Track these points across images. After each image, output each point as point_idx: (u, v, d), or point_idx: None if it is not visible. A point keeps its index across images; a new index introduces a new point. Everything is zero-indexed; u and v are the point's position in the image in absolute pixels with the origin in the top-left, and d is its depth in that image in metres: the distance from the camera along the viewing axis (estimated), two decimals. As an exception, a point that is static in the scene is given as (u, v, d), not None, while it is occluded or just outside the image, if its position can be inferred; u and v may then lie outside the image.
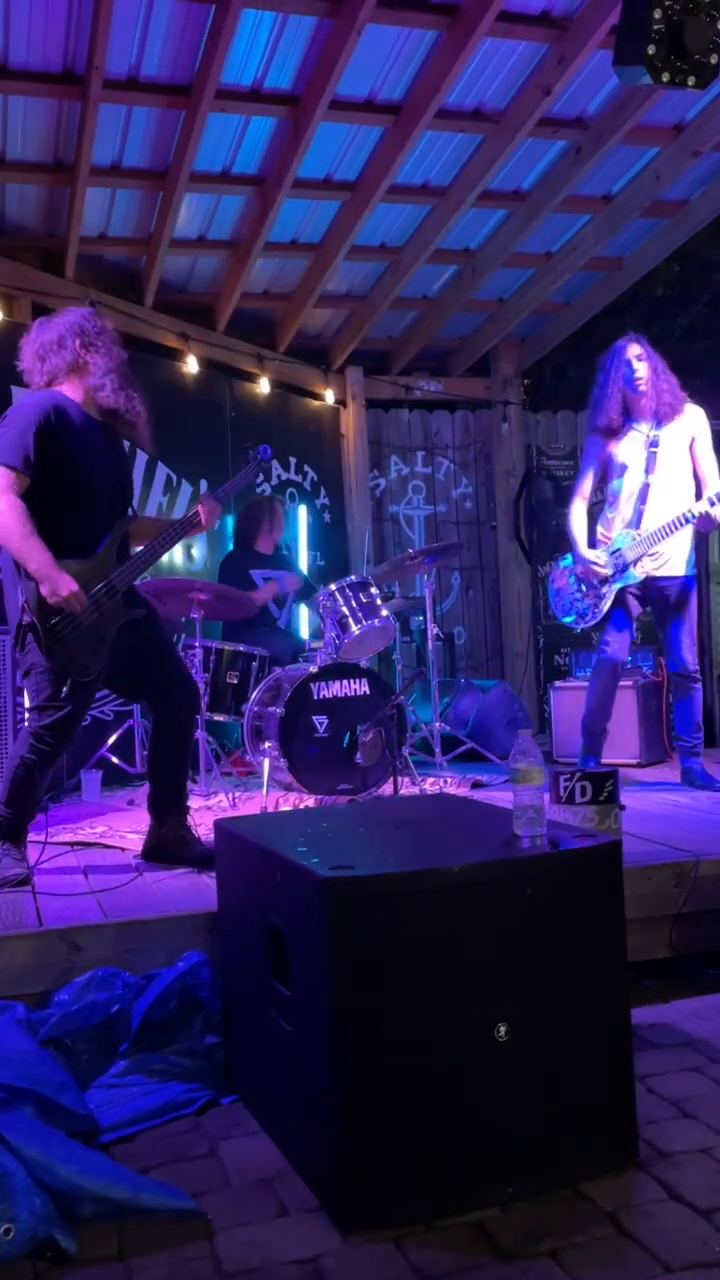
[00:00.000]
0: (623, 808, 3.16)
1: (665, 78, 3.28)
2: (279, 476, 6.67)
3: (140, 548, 3.30)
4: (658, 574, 4.26)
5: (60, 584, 2.99)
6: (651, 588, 4.29)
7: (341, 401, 7.03)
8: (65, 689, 3.06)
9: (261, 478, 6.52)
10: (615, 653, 4.34)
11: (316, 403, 6.96)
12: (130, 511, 3.32)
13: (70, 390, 3.21)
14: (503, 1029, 1.90)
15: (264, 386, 6.56)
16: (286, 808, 4.13)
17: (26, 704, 3.25)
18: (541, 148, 5.33)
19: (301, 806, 4.12)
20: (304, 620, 6.21)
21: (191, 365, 6.14)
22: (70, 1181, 1.84)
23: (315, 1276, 1.70)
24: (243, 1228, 1.85)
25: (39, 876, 3.15)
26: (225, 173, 5.28)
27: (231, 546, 6.14)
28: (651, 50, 3.29)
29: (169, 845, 3.34)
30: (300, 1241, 1.80)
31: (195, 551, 6.11)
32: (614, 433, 4.27)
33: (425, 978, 1.87)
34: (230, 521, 6.28)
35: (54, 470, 3.07)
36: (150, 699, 3.37)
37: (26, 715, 3.20)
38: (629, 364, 4.20)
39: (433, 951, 1.88)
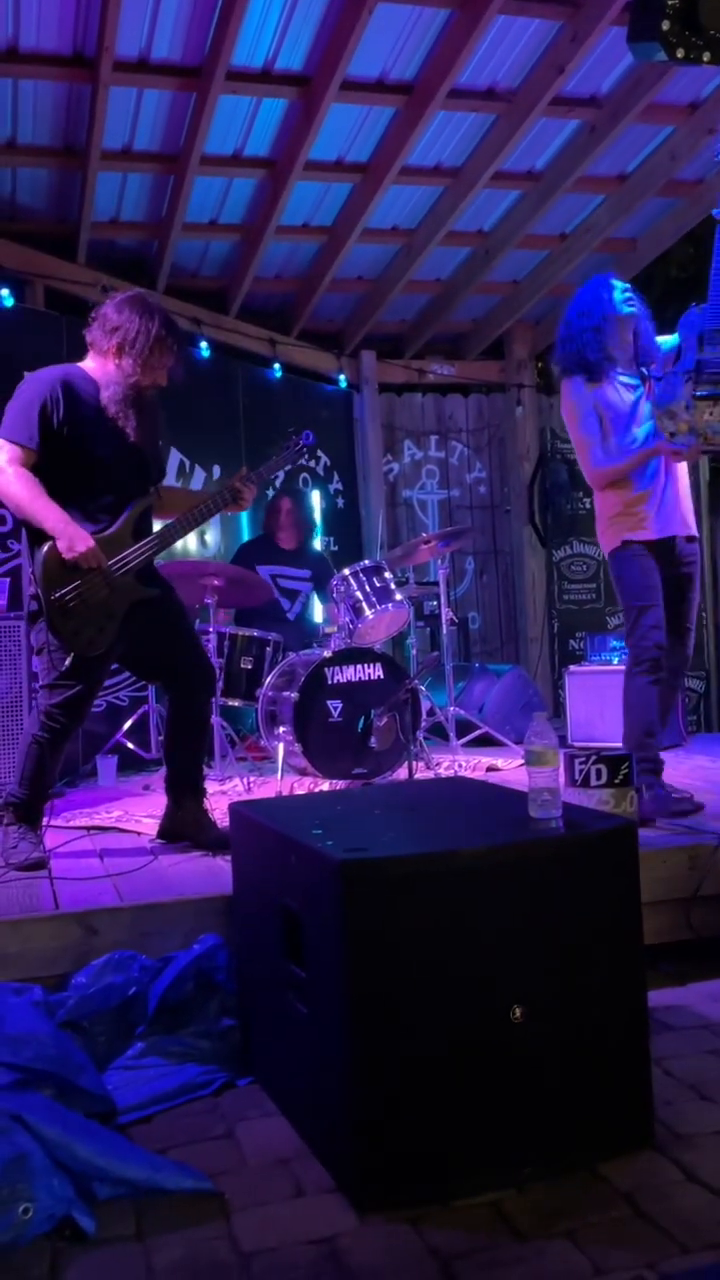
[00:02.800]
0: (637, 790, 3.15)
1: (680, 54, 3.23)
2: (295, 462, 6.66)
3: (166, 522, 3.27)
4: (692, 533, 3.55)
5: (77, 539, 3.00)
6: (684, 551, 3.54)
7: (355, 386, 7.01)
8: (74, 664, 3.05)
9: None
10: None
11: (330, 387, 6.94)
12: (154, 489, 3.30)
13: (96, 367, 3.20)
14: (518, 1011, 1.90)
15: (276, 371, 6.55)
16: (301, 792, 4.14)
17: (39, 683, 3.26)
18: (555, 127, 5.29)
19: (316, 791, 4.12)
20: (317, 610, 6.18)
21: (204, 350, 6.13)
22: (88, 1162, 1.85)
23: (332, 1256, 1.70)
24: (260, 1208, 1.85)
25: (55, 860, 3.16)
26: (236, 155, 5.26)
27: (248, 536, 6.13)
28: (666, 26, 3.24)
29: (185, 828, 3.34)
30: (317, 1222, 1.80)
31: (209, 537, 6.10)
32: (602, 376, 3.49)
33: (440, 960, 1.87)
34: (243, 514, 6.26)
35: (63, 445, 3.06)
36: (166, 681, 3.37)
37: (38, 693, 3.20)
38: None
39: (448, 934, 1.88)
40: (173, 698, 3.35)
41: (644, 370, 3.48)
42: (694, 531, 3.56)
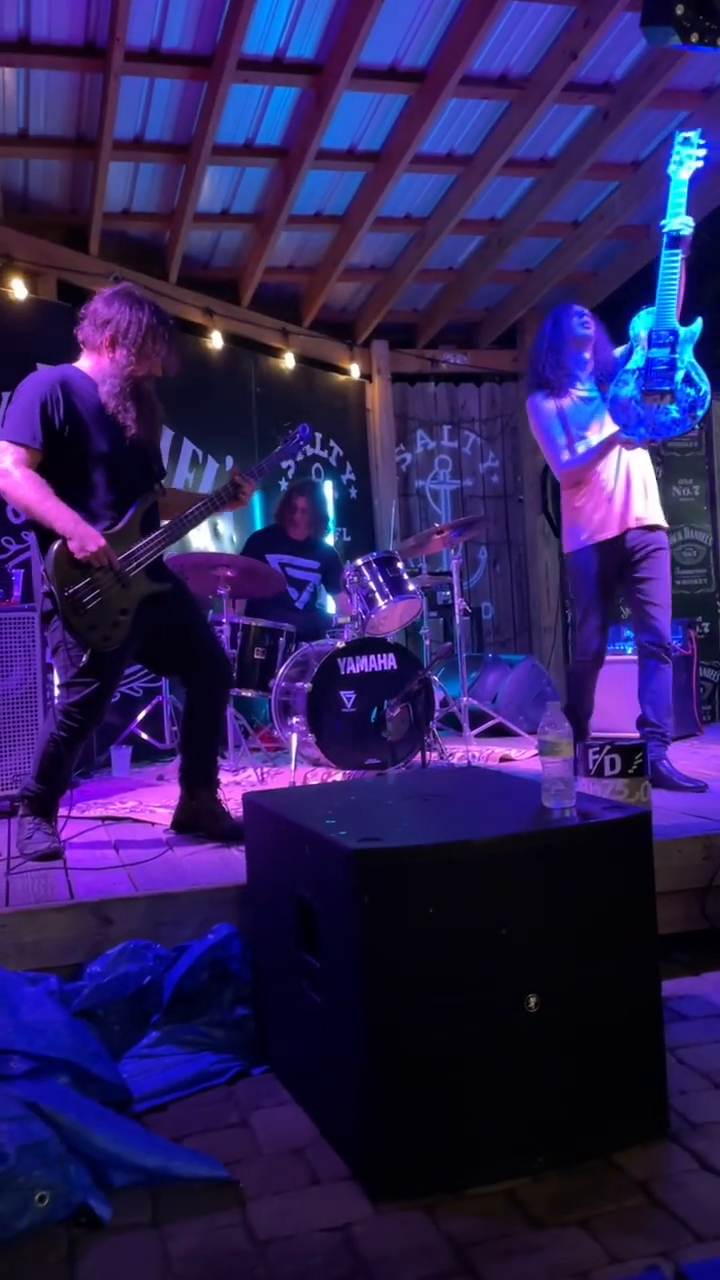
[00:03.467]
0: (651, 780, 3.14)
1: (694, 38, 3.22)
2: (305, 452, 6.65)
3: (168, 521, 3.29)
4: (651, 521, 3.87)
5: (88, 539, 3.01)
6: (643, 539, 3.85)
7: (367, 375, 7.00)
8: (90, 661, 3.05)
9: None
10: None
11: (342, 377, 6.93)
12: (158, 486, 3.31)
13: (91, 365, 3.21)
14: (533, 1000, 1.90)
15: (289, 361, 6.54)
16: (315, 782, 4.15)
17: (56, 682, 3.27)
18: (568, 114, 5.26)
19: (329, 781, 4.13)
20: (329, 602, 6.17)
21: (216, 341, 6.13)
22: (104, 1149, 1.86)
23: (347, 1245, 1.71)
24: (275, 1196, 1.86)
25: (70, 851, 3.18)
26: (248, 145, 5.25)
27: (259, 525, 6.13)
28: (680, 10, 3.23)
29: (199, 818, 3.35)
30: (332, 1210, 1.81)
31: (221, 528, 6.11)
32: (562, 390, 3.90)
33: (454, 949, 1.87)
34: (258, 500, 6.27)
35: (65, 444, 3.07)
36: (183, 674, 3.37)
37: (56, 693, 3.21)
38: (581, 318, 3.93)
39: (462, 923, 1.88)
40: (190, 690, 3.36)
41: (605, 382, 3.79)
42: (654, 521, 3.87)
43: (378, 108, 5.08)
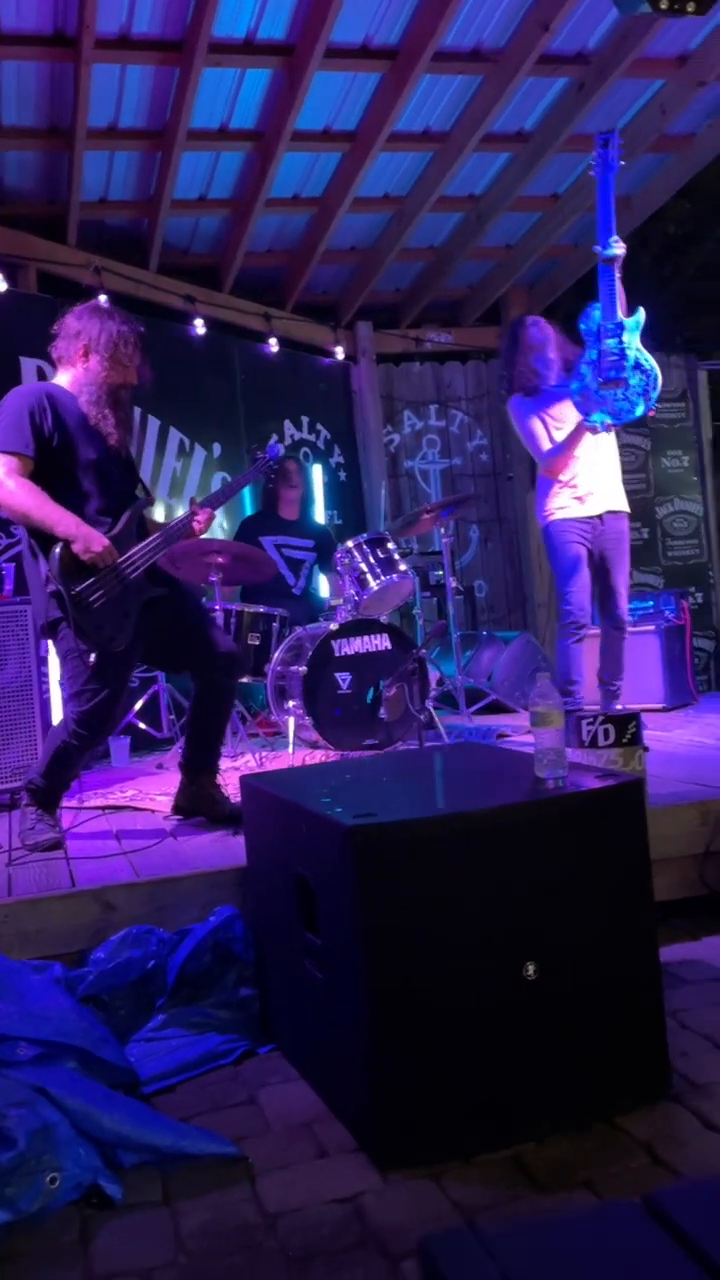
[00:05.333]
0: (646, 749, 3.15)
1: (664, 5, 3.21)
2: (292, 436, 6.65)
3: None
4: (617, 509, 4.24)
5: (92, 539, 3.02)
6: (610, 526, 4.21)
7: (352, 357, 6.99)
8: (98, 666, 3.06)
9: (275, 437, 6.49)
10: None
11: (327, 359, 6.91)
12: (144, 492, 3.33)
13: (69, 379, 3.23)
14: (531, 968, 1.92)
15: (273, 346, 6.52)
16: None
17: (55, 678, 3.26)
18: (543, 86, 5.24)
19: (326, 762, 4.14)
20: (323, 585, 6.16)
21: (199, 328, 6.11)
22: (114, 1130, 1.88)
23: (356, 1214, 1.73)
24: (284, 1170, 1.88)
25: (71, 841, 3.19)
26: (223, 128, 5.23)
27: (250, 510, 6.13)
28: (649, -23, 3.22)
29: (199, 803, 3.37)
30: (341, 1181, 1.83)
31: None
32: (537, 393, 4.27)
33: (453, 920, 1.89)
34: (245, 491, 6.27)
35: (54, 452, 3.08)
36: (194, 669, 3.37)
37: (64, 703, 3.22)
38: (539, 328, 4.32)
39: (459, 894, 1.89)
40: (199, 684, 3.37)
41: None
42: (617, 509, 4.22)
43: (351, 87, 5.06)
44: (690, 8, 3.26)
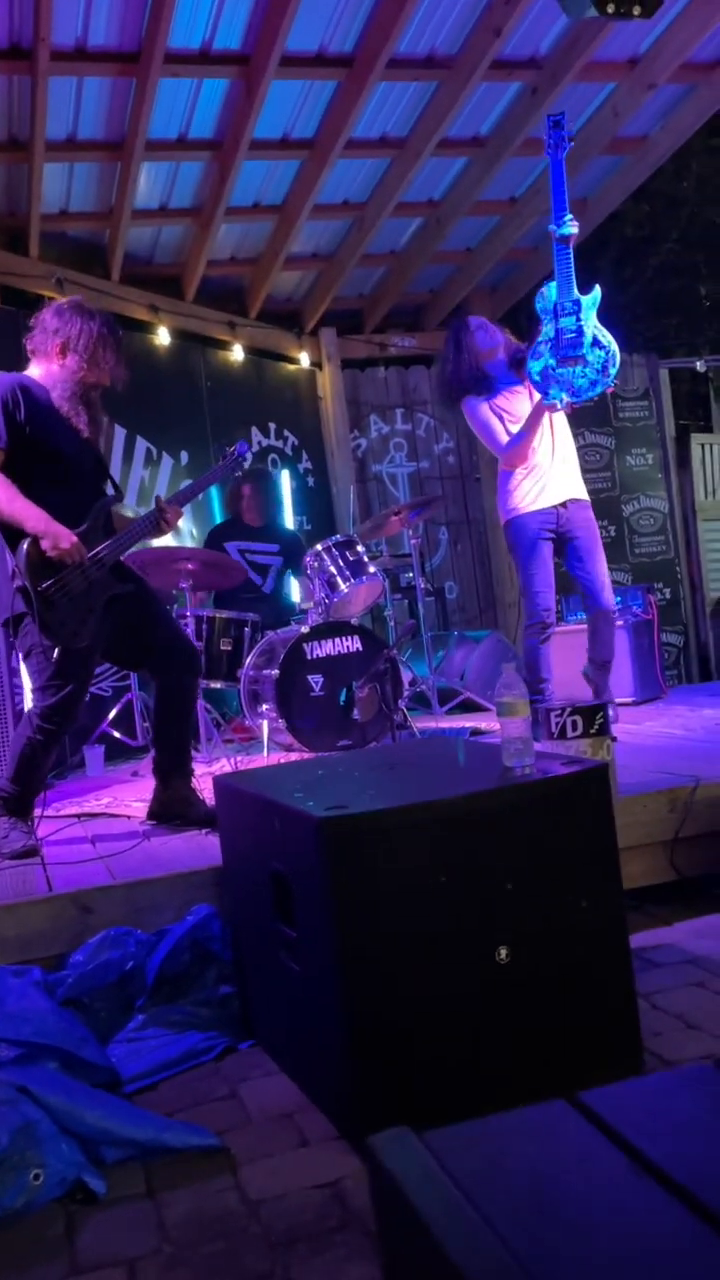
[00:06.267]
0: (613, 739, 3.20)
1: (610, 9, 3.28)
2: (260, 443, 6.68)
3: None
4: (579, 498, 4.19)
5: (60, 536, 3.04)
6: (576, 513, 4.17)
7: (317, 364, 7.03)
8: (61, 661, 3.08)
9: (244, 445, 6.51)
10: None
11: (292, 366, 6.96)
12: (113, 488, 3.36)
13: (42, 373, 3.25)
14: (503, 952, 1.95)
15: (238, 354, 6.56)
16: (288, 767, 4.19)
17: (27, 686, 3.29)
18: (497, 91, 5.31)
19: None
20: (294, 589, 6.19)
21: (163, 337, 6.14)
22: (96, 1126, 1.90)
23: (337, 1198, 1.76)
24: (266, 1159, 1.91)
25: (47, 848, 3.21)
26: (181, 139, 5.26)
27: (219, 519, 6.16)
28: (594, -19, 3.29)
29: (174, 806, 3.40)
30: (322, 1167, 1.86)
31: (182, 524, 6.13)
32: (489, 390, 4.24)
33: (424, 907, 1.92)
34: (215, 494, 6.31)
35: (27, 444, 3.10)
36: (151, 666, 3.40)
37: (29, 696, 3.24)
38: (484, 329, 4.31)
39: (430, 882, 1.93)
40: (159, 682, 3.40)
41: (521, 365, 4.09)
42: (579, 497, 4.17)
43: (308, 95, 5.11)
44: (636, 11, 3.33)
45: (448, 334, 4.34)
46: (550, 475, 4.13)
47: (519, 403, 4.15)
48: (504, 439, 4.18)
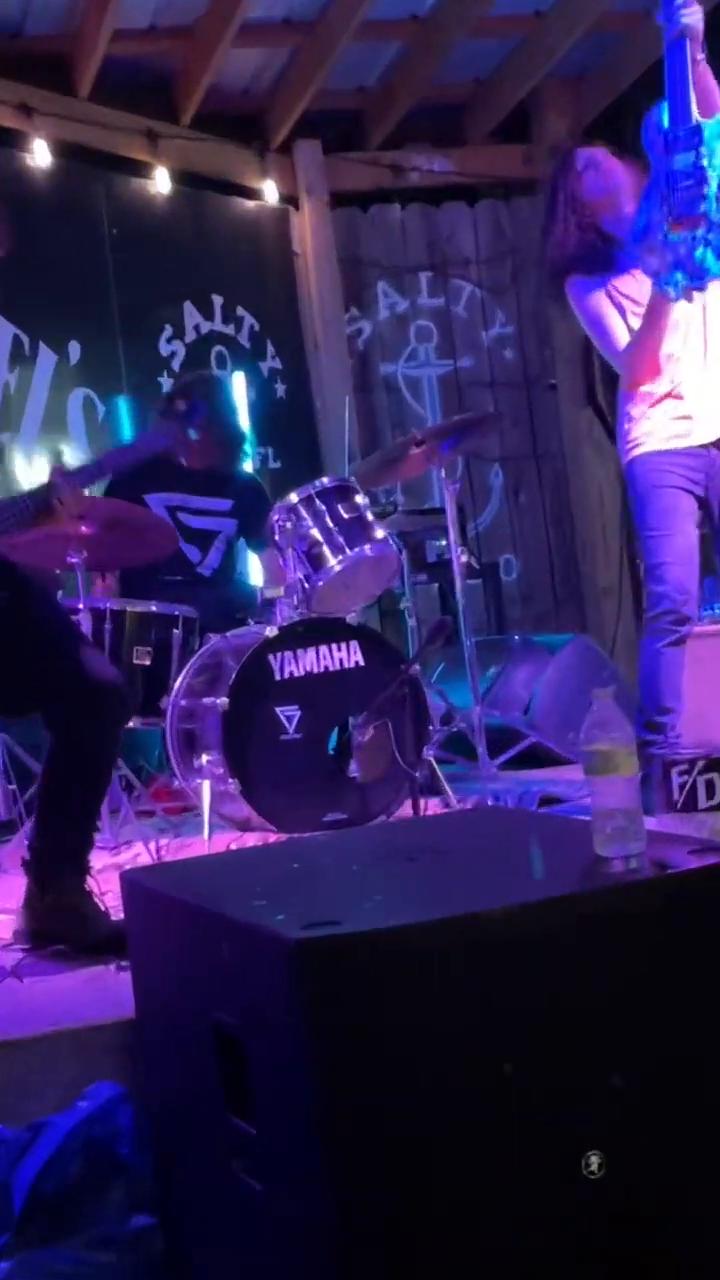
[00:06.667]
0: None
1: None
2: (197, 329, 6.70)
3: None
4: None
5: None
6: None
7: (291, 198, 7.05)
8: None
9: (170, 330, 6.53)
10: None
11: (250, 202, 6.99)
12: None
13: None
14: (594, 1160, 1.95)
15: (161, 181, 6.59)
16: (242, 856, 4.19)
17: None
18: None
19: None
20: (253, 568, 6.17)
21: (41, 154, 6.15)
22: None
23: None
24: None
25: None
26: None
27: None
28: None
29: (57, 921, 3.40)
30: None
31: (70, 456, 6.12)
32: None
33: (467, 1088, 1.92)
34: (125, 411, 6.31)
35: None
36: (46, 710, 3.42)
37: None
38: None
39: (476, 1046, 1.93)
40: (57, 731, 3.41)
41: None
42: None
43: None
44: None
45: (548, 176, 4.45)
46: (700, 398, 4.19)
47: (647, 282, 4.18)
48: (623, 340, 4.27)
